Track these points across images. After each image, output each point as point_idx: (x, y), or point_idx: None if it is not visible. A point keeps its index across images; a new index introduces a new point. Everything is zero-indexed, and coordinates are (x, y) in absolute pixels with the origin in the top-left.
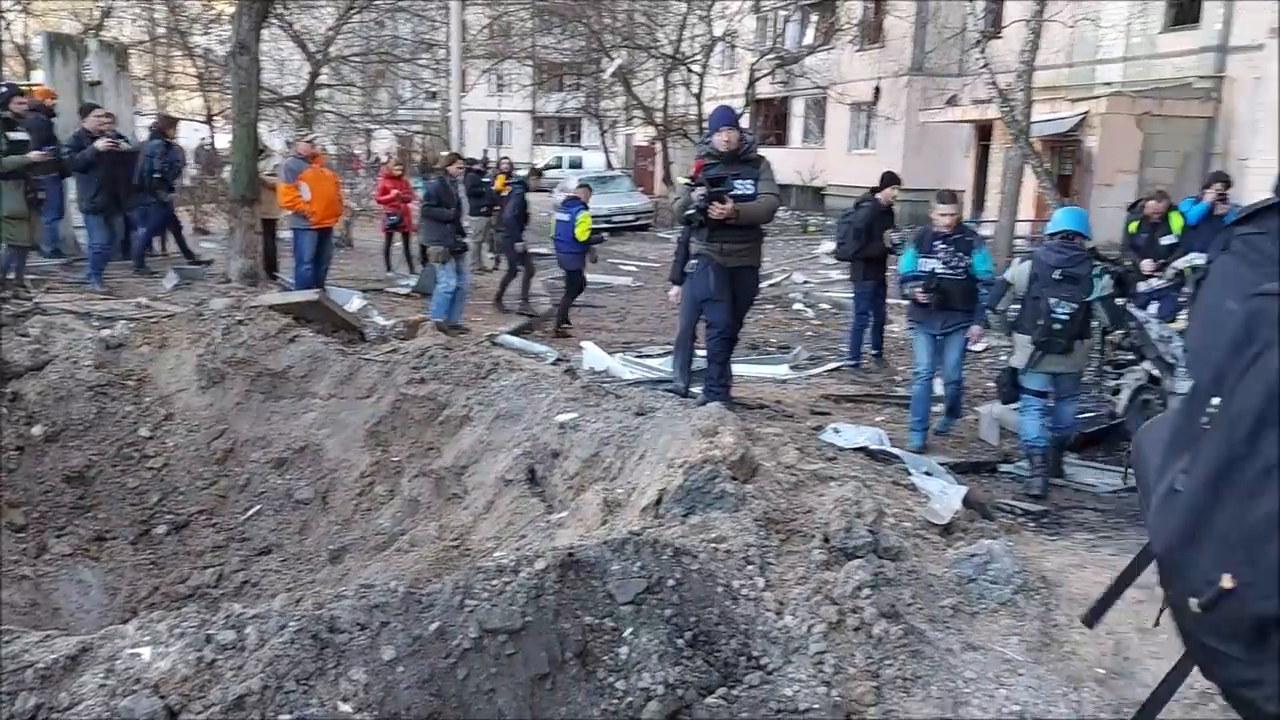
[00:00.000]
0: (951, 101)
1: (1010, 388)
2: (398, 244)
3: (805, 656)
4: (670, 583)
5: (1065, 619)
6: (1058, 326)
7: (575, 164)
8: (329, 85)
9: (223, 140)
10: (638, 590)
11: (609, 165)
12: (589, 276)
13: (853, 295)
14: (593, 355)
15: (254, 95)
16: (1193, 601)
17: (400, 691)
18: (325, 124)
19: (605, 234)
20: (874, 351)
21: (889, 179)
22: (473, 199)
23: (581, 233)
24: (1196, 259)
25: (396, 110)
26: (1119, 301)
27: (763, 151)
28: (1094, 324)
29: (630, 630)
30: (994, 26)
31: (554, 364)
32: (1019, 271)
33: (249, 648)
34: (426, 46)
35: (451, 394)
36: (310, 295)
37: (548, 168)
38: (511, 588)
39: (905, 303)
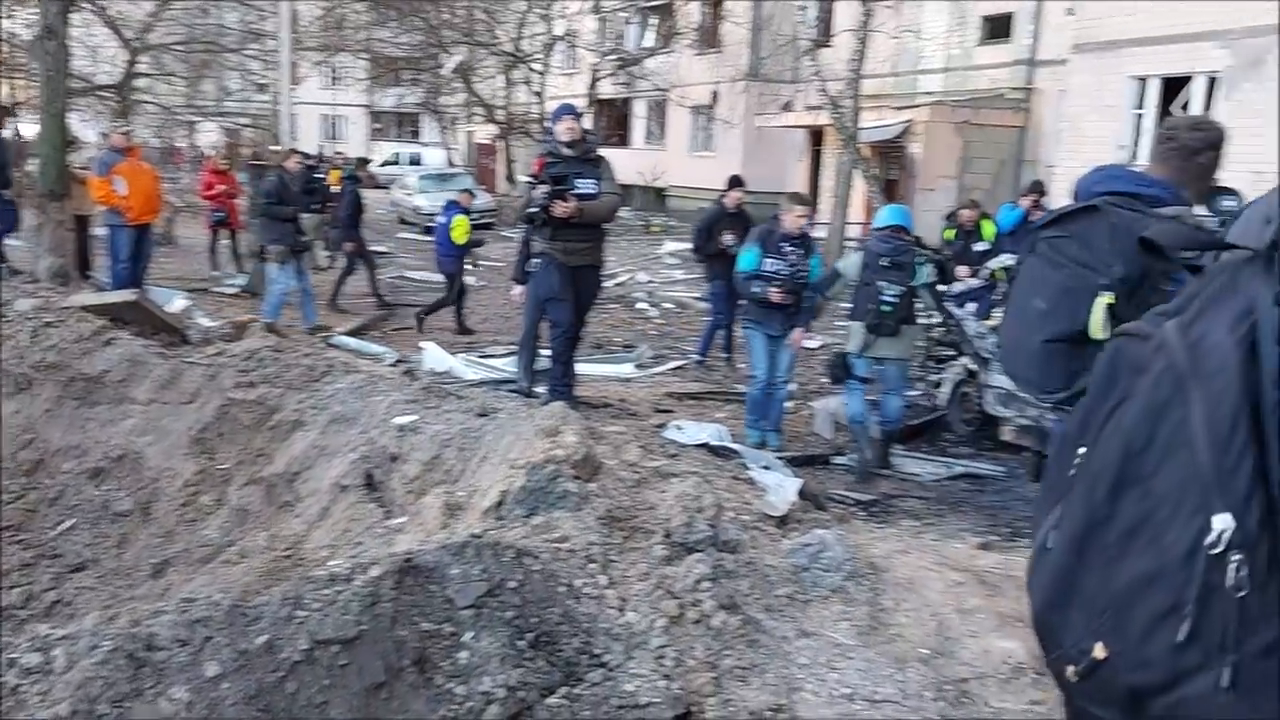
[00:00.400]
0: (786, 107)
1: (840, 369)
2: (225, 241)
3: (647, 651)
4: (512, 584)
5: (892, 602)
6: (887, 309)
7: (414, 160)
8: (148, 74)
9: (29, 130)
10: (478, 593)
11: (450, 163)
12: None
13: (709, 295)
14: (434, 356)
15: (63, 83)
16: (1069, 670)
17: (225, 709)
18: (144, 115)
19: (485, 239)
20: (724, 355)
21: (734, 182)
22: (305, 195)
23: (458, 236)
24: (1008, 260)
25: (223, 102)
26: (940, 288)
27: (605, 152)
28: (919, 314)
29: (471, 634)
30: (824, 35)
31: (393, 365)
32: (850, 262)
33: (56, 671)
34: (255, 36)
35: (282, 398)
36: (128, 295)
37: (386, 164)
38: (345, 596)
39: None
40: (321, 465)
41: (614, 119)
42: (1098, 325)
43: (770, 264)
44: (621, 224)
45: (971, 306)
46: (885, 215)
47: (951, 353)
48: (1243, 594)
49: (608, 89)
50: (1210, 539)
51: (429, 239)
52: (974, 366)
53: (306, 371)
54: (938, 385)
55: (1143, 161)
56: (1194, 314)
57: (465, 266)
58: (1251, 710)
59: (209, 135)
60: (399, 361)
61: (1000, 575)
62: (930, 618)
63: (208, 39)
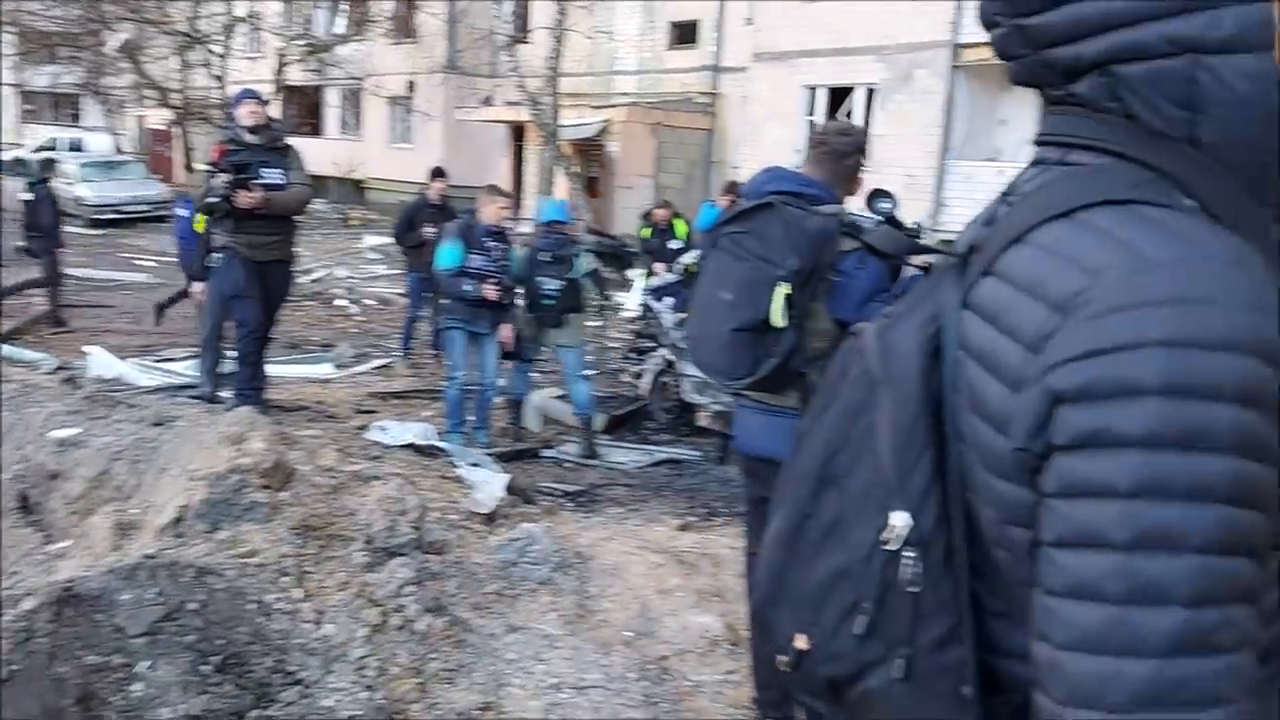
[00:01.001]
0: (487, 101)
1: (513, 349)
2: None
3: (347, 664)
4: (192, 606)
5: (598, 589)
6: (549, 301)
7: (75, 146)
8: None
9: None
10: (153, 619)
11: (118, 150)
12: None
13: (409, 287)
14: (100, 362)
15: None
16: (781, 660)
17: None
18: None
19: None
20: (432, 351)
21: (436, 173)
22: None
23: (202, 228)
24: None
25: None
26: (612, 274)
27: (296, 141)
28: (591, 300)
29: (146, 664)
30: (521, 31)
31: (51, 373)
32: (518, 257)
33: None
34: None
35: None
36: None
37: (41, 149)
38: None
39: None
40: None
41: (305, 107)
42: (778, 313)
43: (476, 260)
44: (317, 217)
45: (669, 300)
46: (544, 210)
47: (652, 344)
48: (916, 590)
49: (296, 75)
50: (887, 536)
51: (95, 233)
52: (672, 357)
53: None
54: (639, 376)
55: None
56: (895, 319)
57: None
58: (925, 700)
59: None
60: (59, 369)
61: (697, 554)
62: (633, 600)
63: None
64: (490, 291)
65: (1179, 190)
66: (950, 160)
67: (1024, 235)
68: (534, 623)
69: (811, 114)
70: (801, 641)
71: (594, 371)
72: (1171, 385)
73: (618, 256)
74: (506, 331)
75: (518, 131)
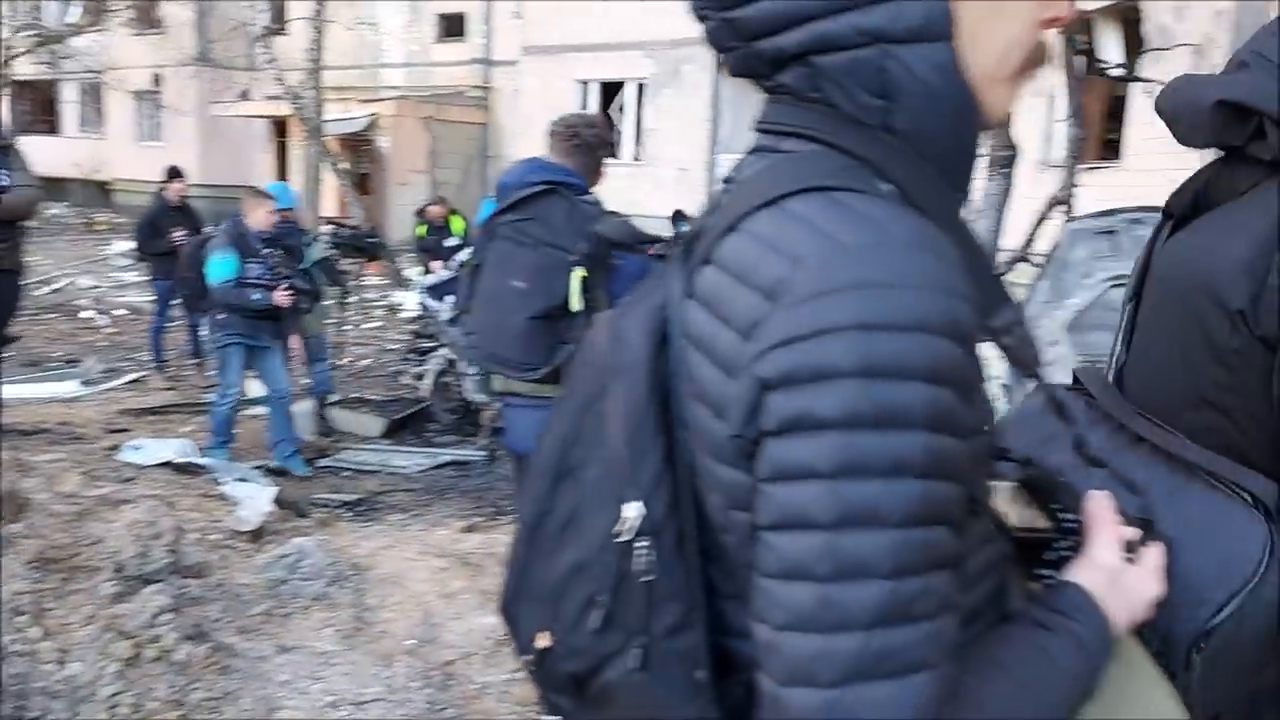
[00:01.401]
0: (244, 95)
1: None
2: None
3: (96, 703)
4: None
5: (376, 600)
6: None
7: None
8: None
9: None
10: None
11: None
12: None
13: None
14: None
15: None
16: (526, 659)
17: None
18: None
19: None
20: (193, 360)
21: (173, 173)
22: None
23: None
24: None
25: None
26: (340, 267)
27: (30, 140)
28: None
29: None
30: (278, 22)
31: None
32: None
33: None
34: None
35: None
36: None
37: None
38: None
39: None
40: None
41: (39, 103)
42: (576, 297)
43: (254, 269)
44: (59, 222)
45: (449, 299)
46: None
47: (432, 344)
48: (650, 578)
49: (26, 69)
50: (620, 527)
51: None
52: (454, 356)
53: None
54: (420, 377)
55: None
56: (626, 307)
57: None
58: (661, 687)
59: None
60: None
61: (483, 554)
62: (415, 608)
63: None
64: (283, 298)
65: (878, 176)
66: (719, 154)
67: (738, 223)
68: (308, 641)
69: (585, 108)
70: (543, 639)
71: (337, 357)
72: (865, 367)
73: (358, 248)
74: (296, 341)
75: (280, 126)
